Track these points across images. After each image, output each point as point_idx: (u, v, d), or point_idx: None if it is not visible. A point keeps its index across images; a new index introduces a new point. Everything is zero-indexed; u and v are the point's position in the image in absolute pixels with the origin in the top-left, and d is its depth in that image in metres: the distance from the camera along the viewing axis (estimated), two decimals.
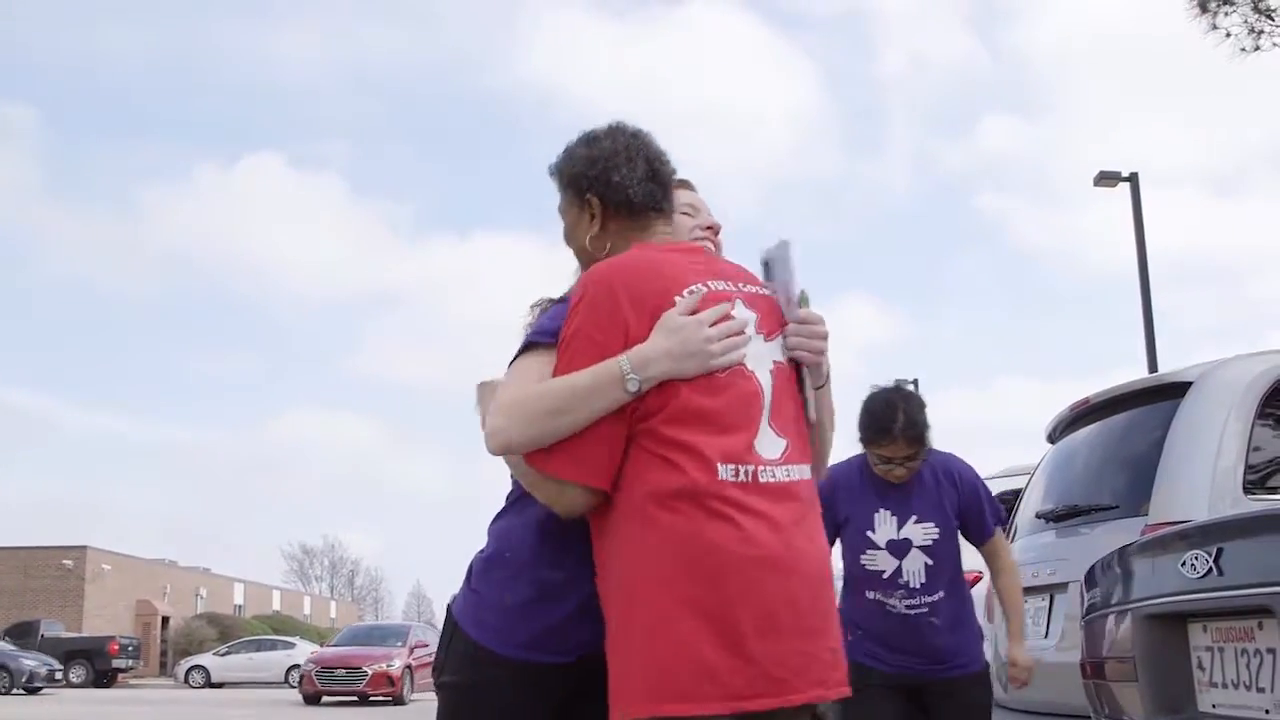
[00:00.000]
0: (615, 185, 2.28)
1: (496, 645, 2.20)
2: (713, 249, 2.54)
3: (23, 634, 35.53)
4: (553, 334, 2.18)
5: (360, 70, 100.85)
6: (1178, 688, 2.88)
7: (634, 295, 2.10)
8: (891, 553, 3.87)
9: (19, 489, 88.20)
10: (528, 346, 2.22)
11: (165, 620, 49.12)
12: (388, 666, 23.40)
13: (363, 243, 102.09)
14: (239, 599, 59.63)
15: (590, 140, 2.35)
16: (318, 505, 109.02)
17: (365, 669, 23.13)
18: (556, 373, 2.09)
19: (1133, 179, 18.25)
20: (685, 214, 2.55)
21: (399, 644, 24.64)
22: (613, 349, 2.06)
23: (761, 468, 2.07)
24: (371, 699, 23.21)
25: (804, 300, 2.23)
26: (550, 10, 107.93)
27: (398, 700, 23.31)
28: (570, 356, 2.09)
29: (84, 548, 47.11)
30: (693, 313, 2.09)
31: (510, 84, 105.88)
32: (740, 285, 2.22)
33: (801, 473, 2.16)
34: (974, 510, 3.97)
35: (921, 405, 3.85)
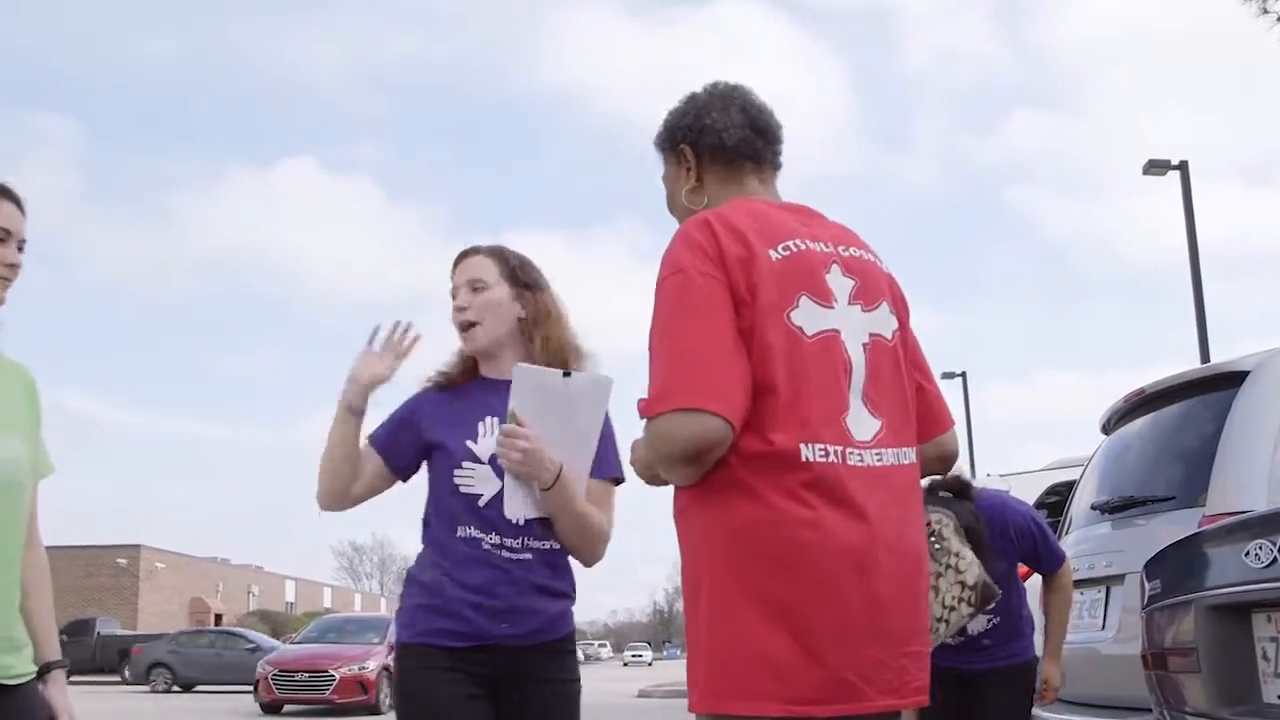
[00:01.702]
0: (706, 129, 2.17)
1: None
2: (476, 335, 2.89)
3: (78, 632, 35.95)
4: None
5: (387, 74, 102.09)
6: (1241, 679, 2.86)
7: (734, 230, 1.95)
8: None
9: (73, 489, 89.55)
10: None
11: (218, 618, 49.60)
12: (360, 669, 18.76)
13: (398, 244, 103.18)
14: (290, 596, 60.20)
15: (688, 98, 2.24)
16: (366, 503, 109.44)
17: (332, 672, 18.57)
18: (672, 315, 1.91)
19: (1182, 167, 18.01)
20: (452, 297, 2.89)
21: (376, 640, 19.81)
22: (721, 277, 1.90)
23: (850, 450, 1.91)
24: (341, 708, 18.55)
25: (511, 418, 2.67)
26: (577, 11, 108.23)
27: (372, 710, 18.51)
28: (684, 293, 1.91)
29: (138, 547, 47.74)
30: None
31: (538, 85, 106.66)
32: (840, 249, 2.05)
33: (898, 457, 1.99)
34: (1030, 553, 4.14)
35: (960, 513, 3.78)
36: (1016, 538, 4.07)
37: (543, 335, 2.89)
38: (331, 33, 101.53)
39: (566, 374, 2.73)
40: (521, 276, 2.92)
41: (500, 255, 2.94)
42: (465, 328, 2.89)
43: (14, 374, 2.57)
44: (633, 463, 2.14)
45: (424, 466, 2.92)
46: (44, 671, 2.56)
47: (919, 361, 2.18)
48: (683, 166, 2.20)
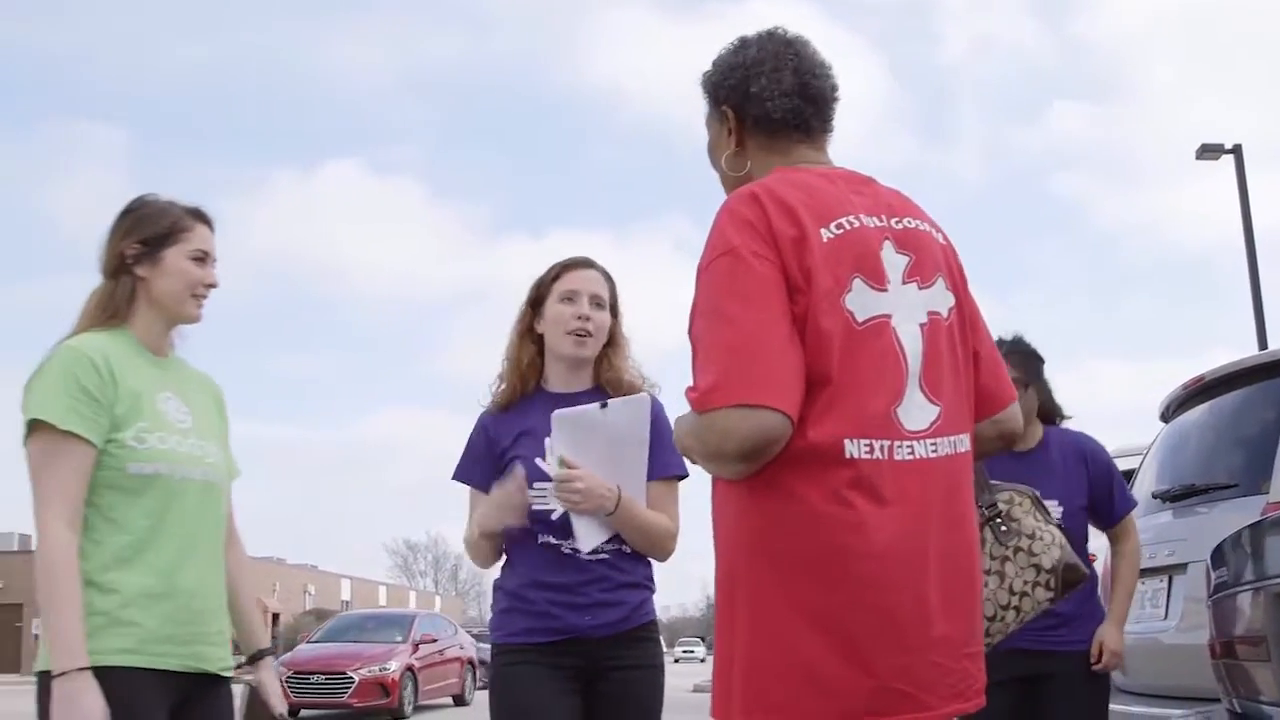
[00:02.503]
0: (752, 97, 2.02)
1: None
2: (590, 344, 3.02)
3: None
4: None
5: (426, 77, 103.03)
6: None
7: (785, 208, 1.82)
8: None
9: None
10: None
11: (275, 617, 50.07)
12: (381, 670, 17.11)
13: (443, 243, 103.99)
14: (346, 595, 60.68)
15: (739, 47, 2.08)
16: (419, 501, 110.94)
17: (351, 674, 16.88)
18: (724, 299, 1.79)
19: (1236, 151, 17.76)
20: (564, 300, 3.01)
21: (399, 639, 18.39)
22: (773, 259, 1.79)
23: (900, 443, 1.80)
24: (361, 713, 17.10)
25: (560, 463, 2.77)
26: (614, 11, 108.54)
27: (396, 715, 17.26)
28: (735, 276, 1.79)
29: None
30: None
31: (577, 84, 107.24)
32: (893, 221, 1.93)
33: (954, 445, 1.87)
34: (1104, 491, 3.87)
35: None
36: (1091, 462, 3.83)
37: (608, 361, 3.08)
38: (370, 36, 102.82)
39: (603, 405, 2.84)
40: (617, 305, 3.11)
41: (611, 280, 3.12)
42: (583, 335, 3.02)
43: (205, 385, 2.76)
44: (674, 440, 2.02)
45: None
46: (256, 658, 2.79)
47: (978, 327, 2.05)
48: (724, 126, 2.07)
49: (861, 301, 1.83)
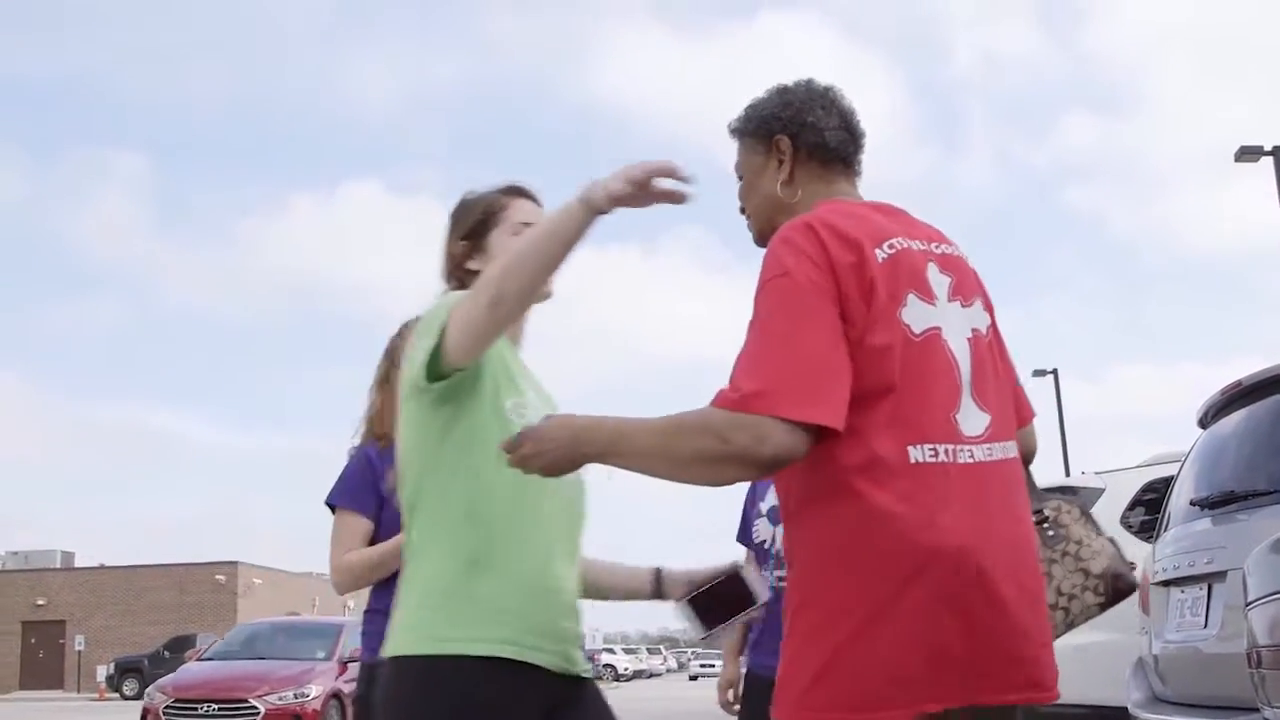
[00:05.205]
0: (810, 125, 2.13)
1: None
2: None
3: (180, 648, 36.66)
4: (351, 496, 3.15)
5: (441, 98, 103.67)
6: None
7: (840, 235, 1.91)
8: (771, 520, 3.74)
9: (168, 508, 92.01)
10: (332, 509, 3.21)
11: None
12: (297, 697, 12.50)
13: None
14: None
15: (782, 90, 2.19)
16: None
17: (254, 702, 12.36)
18: (774, 323, 1.86)
19: (1276, 153, 17.62)
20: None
21: (321, 654, 13.66)
22: (828, 294, 1.86)
23: (960, 447, 1.89)
24: None
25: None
26: (623, 30, 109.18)
27: None
28: (790, 305, 1.85)
29: (235, 563, 48.58)
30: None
31: (588, 103, 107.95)
32: (935, 246, 2.04)
33: (1006, 450, 1.98)
34: None
35: None
36: None
37: None
38: (386, 61, 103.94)
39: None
40: None
41: None
42: None
43: (545, 389, 2.51)
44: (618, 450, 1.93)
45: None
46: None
47: (1005, 355, 2.16)
48: (773, 157, 2.15)
49: (916, 315, 1.93)
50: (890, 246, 1.95)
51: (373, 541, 3.20)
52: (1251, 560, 3.37)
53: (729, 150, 2.26)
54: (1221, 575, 4.58)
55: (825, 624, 1.85)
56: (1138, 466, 7.31)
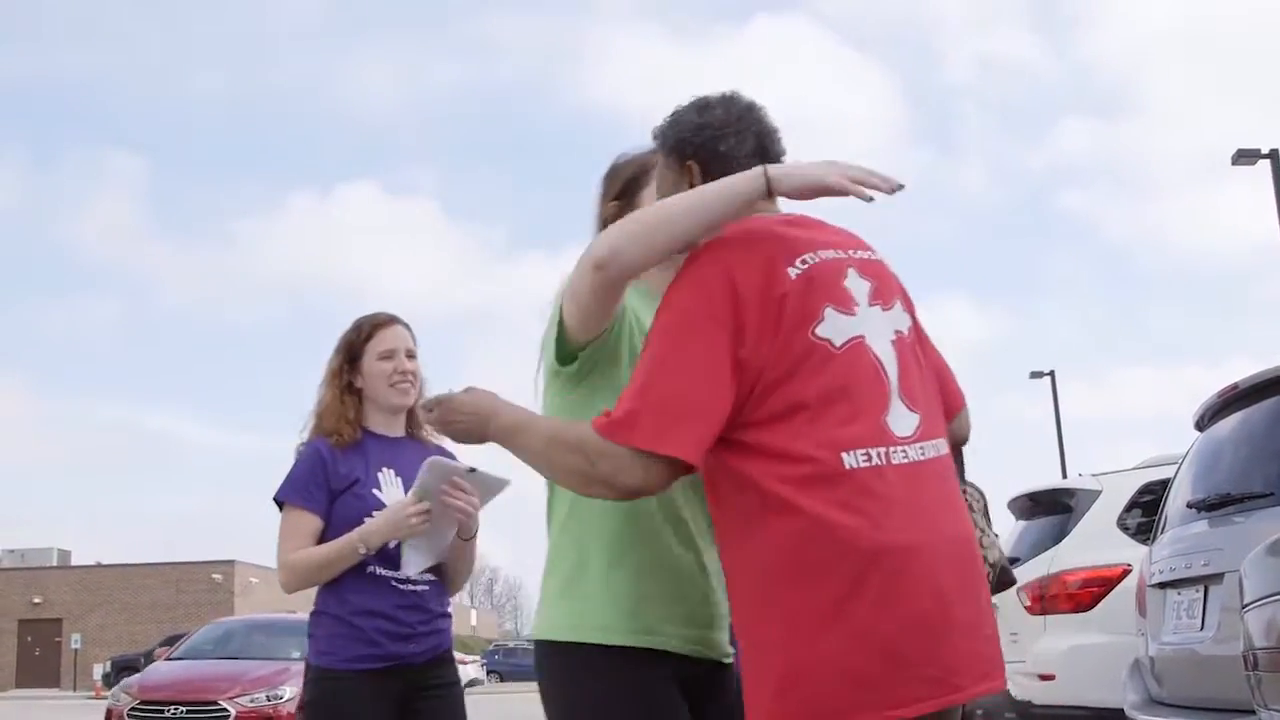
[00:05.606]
0: (720, 156, 2.10)
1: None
2: (411, 393, 3.27)
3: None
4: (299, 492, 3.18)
5: (438, 101, 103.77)
6: None
7: (745, 257, 1.94)
8: None
9: (165, 506, 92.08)
10: (280, 504, 3.21)
11: None
12: (270, 698, 11.74)
13: (459, 263, 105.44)
14: None
15: (702, 107, 2.15)
16: None
17: (225, 704, 11.59)
18: (656, 356, 1.92)
19: (1273, 155, 17.64)
20: (383, 358, 3.27)
21: (296, 654, 12.25)
22: (723, 326, 1.89)
23: (893, 449, 1.91)
24: None
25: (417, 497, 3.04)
26: (620, 34, 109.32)
27: None
28: (675, 340, 1.91)
29: (232, 562, 48.62)
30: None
31: (584, 106, 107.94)
32: (853, 253, 2.06)
33: (938, 448, 2.00)
34: None
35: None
36: None
37: (416, 420, 3.34)
38: (381, 63, 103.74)
39: (471, 470, 3.05)
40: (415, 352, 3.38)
41: (412, 332, 3.39)
42: (408, 385, 3.30)
43: None
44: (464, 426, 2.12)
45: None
46: None
47: (927, 343, 2.18)
48: (685, 180, 2.13)
49: (835, 327, 1.95)
50: (803, 262, 1.96)
51: (322, 539, 3.17)
52: (1248, 562, 3.37)
53: None
54: (1218, 577, 4.58)
55: (777, 637, 1.86)
56: (1134, 468, 7.31)
